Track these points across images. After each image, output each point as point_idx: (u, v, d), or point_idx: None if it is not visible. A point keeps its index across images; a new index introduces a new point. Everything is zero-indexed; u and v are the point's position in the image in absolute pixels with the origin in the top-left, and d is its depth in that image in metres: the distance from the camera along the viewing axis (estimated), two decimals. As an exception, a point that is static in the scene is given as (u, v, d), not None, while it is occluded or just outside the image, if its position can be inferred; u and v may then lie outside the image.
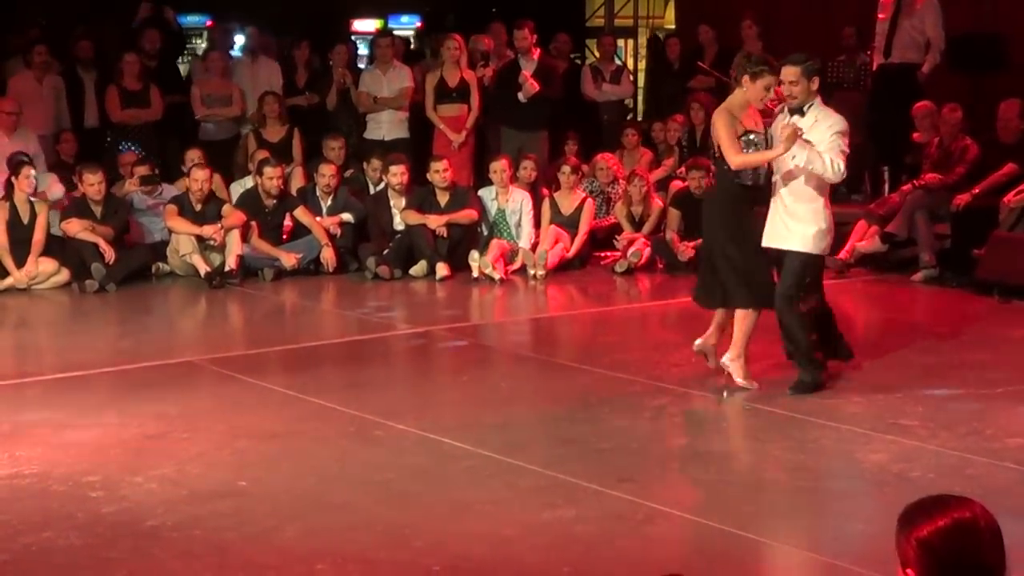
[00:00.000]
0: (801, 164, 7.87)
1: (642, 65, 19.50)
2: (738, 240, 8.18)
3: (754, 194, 8.23)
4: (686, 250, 12.48)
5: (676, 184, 13.59)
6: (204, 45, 17.29)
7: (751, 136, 8.08)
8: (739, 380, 8.19)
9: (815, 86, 8.04)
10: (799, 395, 8.03)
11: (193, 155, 12.98)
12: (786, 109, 8.12)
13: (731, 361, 8.21)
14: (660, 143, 14.81)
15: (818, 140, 7.91)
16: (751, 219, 8.22)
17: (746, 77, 8.06)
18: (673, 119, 14.73)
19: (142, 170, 12.98)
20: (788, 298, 8.09)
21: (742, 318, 8.24)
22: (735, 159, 8.00)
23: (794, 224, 8.06)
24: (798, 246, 8.05)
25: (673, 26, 19.83)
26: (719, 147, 8.10)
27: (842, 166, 7.91)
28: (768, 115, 8.29)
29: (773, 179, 8.19)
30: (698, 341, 8.57)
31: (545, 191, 13.35)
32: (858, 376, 8.57)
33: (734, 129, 8.03)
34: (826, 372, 8.28)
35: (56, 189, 12.66)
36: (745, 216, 8.22)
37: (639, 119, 17.27)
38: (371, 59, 15.28)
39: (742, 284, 8.18)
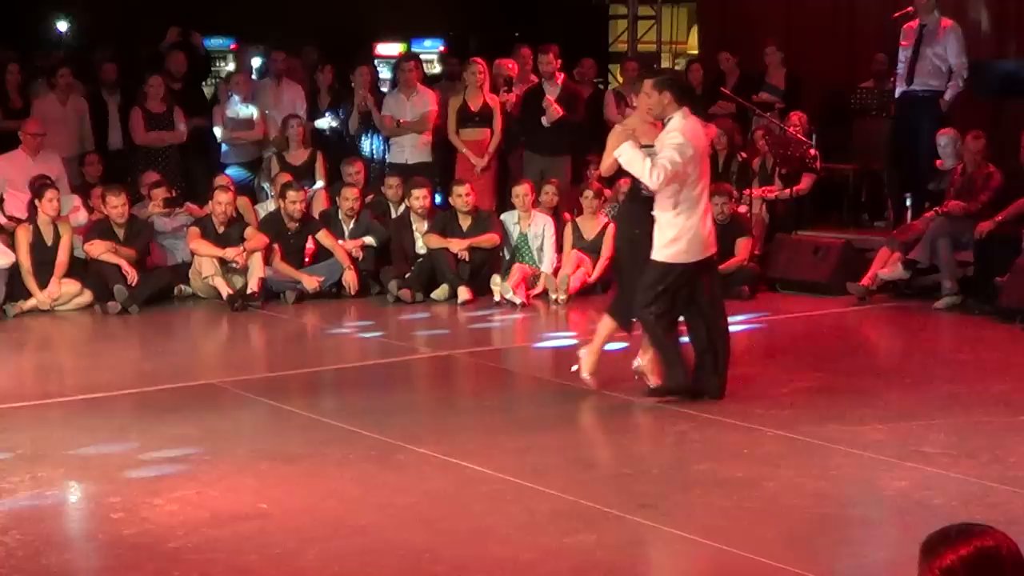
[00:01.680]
0: (622, 162, 8.28)
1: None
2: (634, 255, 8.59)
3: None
4: (708, 276, 12.46)
5: (698, 209, 13.56)
6: (228, 68, 17.36)
7: (644, 149, 8.32)
8: (585, 375, 8.72)
9: (667, 99, 8.28)
10: (656, 397, 8.46)
11: (221, 179, 13.04)
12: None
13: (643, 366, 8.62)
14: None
15: (659, 149, 8.22)
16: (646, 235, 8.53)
17: (638, 93, 8.47)
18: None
19: (163, 193, 13.02)
20: (643, 305, 8.44)
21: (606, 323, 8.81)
22: (602, 167, 8.66)
23: (654, 234, 8.39)
24: (652, 255, 8.40)
25: (696, 52, 19.84)
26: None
27: (660, 175, 8.13)
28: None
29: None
30: (636, 361, 8.78)
31: (567, 216, 13.35)
32: (880, 403, 8.54)
33: (616, 143, 8.40)
34: (688, 380, 8.49)
35: (80, 215, 12.70)
36: (643, 231, 8.52)
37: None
38: (394, 83, 15.33)
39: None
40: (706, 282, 8.61)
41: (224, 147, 14.45)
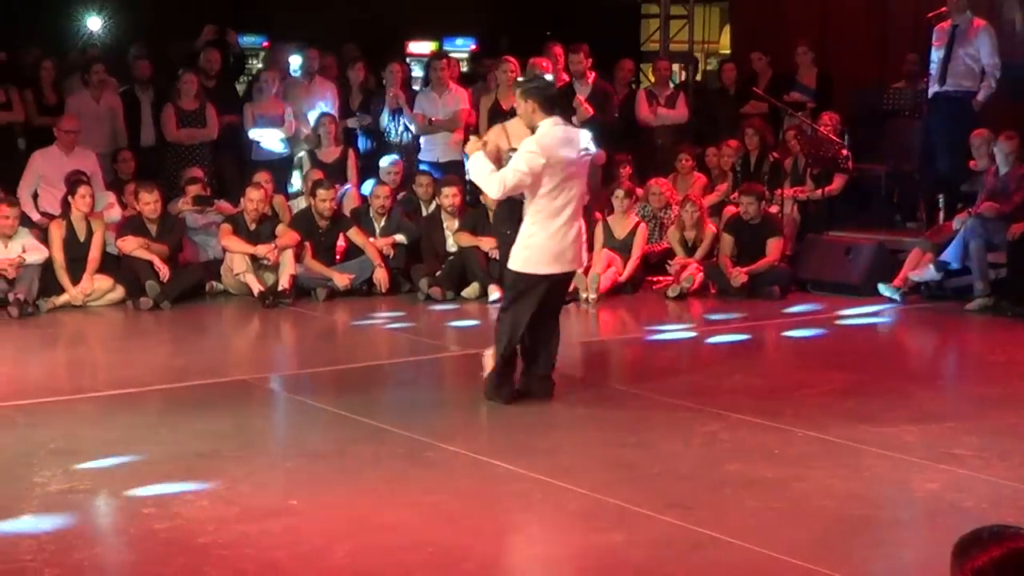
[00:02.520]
0: (469, 167, 8.57)
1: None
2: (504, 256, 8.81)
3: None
4: (739, 275, 12.46)
5: (729, 209, 13.58)
6: (260, 66, 17.41)
7: (510, 153, 8.43)
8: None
9: (532, 107, 8.29)
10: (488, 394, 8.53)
11: (260, 177, 13.07)
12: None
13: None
14: (714, 168, 14.80)
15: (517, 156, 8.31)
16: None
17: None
18: (727, 144, 14.72)
19: (196, 189, 13.08)
20: (501, 308, 8.69)
21: None
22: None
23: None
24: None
25: (728, 51, 19.81)
26: None
27: (498, 187, 8.22)
28: None
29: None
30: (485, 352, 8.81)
31: (598, 215, 13.35)
32: (912, 405, 8.52)
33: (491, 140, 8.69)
34: (513, 382, 8.59)
35: (114, 211, 12.76)
36: (513, 232, 8.61)
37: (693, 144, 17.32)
38: (426, 81, 15.34)
39: None
40: (556, 295, 8.67)
41: (255, 144, 14.47)
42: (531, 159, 8.13)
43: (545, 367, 8.67)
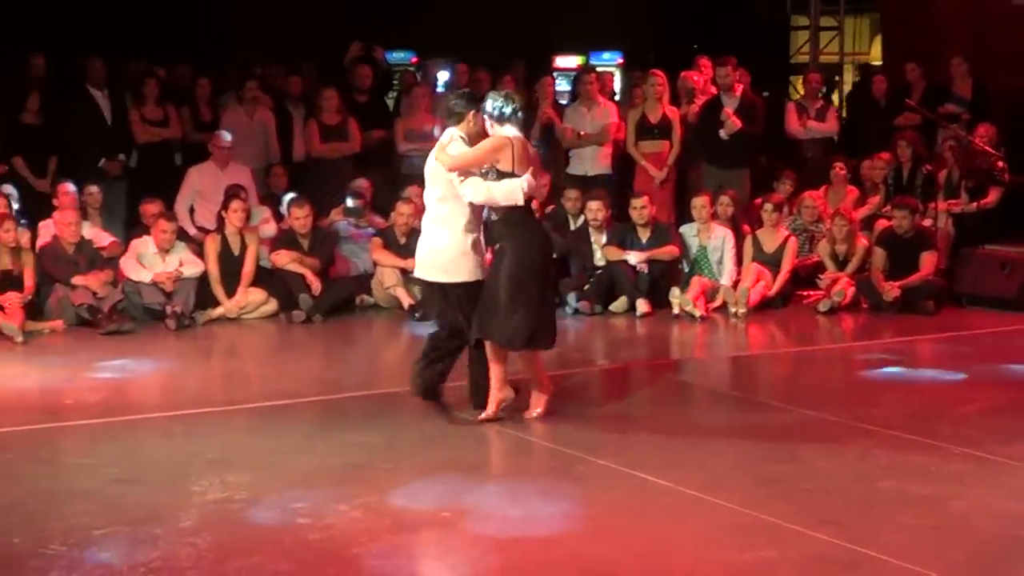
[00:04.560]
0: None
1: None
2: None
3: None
4: (891, 290, 12.30)
5: (882, 223, 13.39)
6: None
7: (483, 169, 8.36)
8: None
9: (482, 124, 8.41)
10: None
11: (410, 191, 13.18)
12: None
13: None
14: (866, 181, 14.62)
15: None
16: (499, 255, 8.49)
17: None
18: (879, 157, 14.53)
19: (351, 202, 13.25)
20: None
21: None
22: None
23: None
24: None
25: (879, 62, 19.57)
26: None
27: (466, 192, 8.33)
28: None
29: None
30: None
31: (746, 228, 13.27)
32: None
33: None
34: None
35: (269, 226, 12.96)
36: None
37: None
38: (573, 95, 15.36)
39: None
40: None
41: (405, 159, 14.58)
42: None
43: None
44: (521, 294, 8.22)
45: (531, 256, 8.30)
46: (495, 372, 8.40)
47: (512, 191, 8.22)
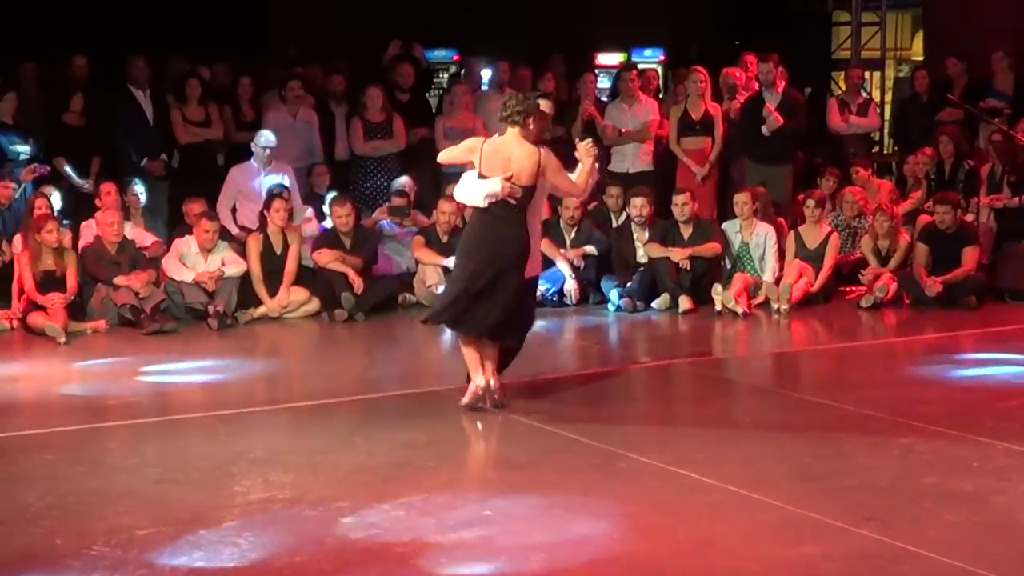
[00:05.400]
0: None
1: (888, 97, 19.23)
2: None
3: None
4: (934, 285, 12.24)
5: (924, 218, 13.33)
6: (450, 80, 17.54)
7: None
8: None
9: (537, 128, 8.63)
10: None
11: (452, 189, 13.19)
12: None
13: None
14: (909, 176, 14.57)
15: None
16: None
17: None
18: (922, 152, 14.47)
19: (398, 199, 13.27)
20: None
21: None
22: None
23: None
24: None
25: (921, 58, 19.46)
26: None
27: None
28: None
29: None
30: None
31: (782, 222, 13.24)
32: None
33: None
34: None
35: (311, 225, 13.01)
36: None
37: (885, 152, 17.12)
38: (613, 92, 15.35)
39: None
40: None
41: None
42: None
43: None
44: (496, 287, 8.45)
45: (503, 250, 8.48)
46: (468, 356, 8.63)
47: (474, 193, 8.52)
